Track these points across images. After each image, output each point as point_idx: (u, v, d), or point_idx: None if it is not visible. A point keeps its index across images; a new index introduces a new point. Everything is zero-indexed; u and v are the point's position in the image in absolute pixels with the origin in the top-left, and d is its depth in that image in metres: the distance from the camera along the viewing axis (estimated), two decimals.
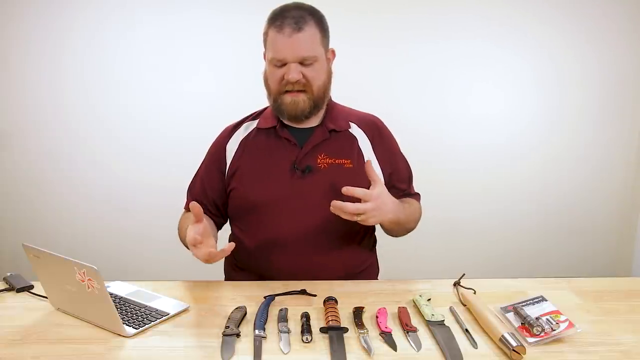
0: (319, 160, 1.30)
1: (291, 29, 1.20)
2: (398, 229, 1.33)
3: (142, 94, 2.42)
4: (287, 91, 1.25)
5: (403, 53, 2.41)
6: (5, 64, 2.39)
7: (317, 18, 1.25)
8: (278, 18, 1.22)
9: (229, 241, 1.43)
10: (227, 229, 1.44)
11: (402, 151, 1.44)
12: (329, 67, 1.31)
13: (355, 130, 1.36)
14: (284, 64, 1.23)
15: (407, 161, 1.44)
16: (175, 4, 2.35)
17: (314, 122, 1.34)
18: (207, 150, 1.43)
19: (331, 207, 1.15)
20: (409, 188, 1.43)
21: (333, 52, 1.33)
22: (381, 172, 1.34)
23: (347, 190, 1.15)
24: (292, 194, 1.29)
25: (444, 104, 2.47)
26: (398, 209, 1.24)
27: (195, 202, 1.12)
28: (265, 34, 1.27)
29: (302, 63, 1.22)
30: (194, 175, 1.45)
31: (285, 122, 1.34)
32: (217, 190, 1.37)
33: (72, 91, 2.41)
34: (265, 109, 1.41)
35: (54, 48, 2.37)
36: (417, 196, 1.45)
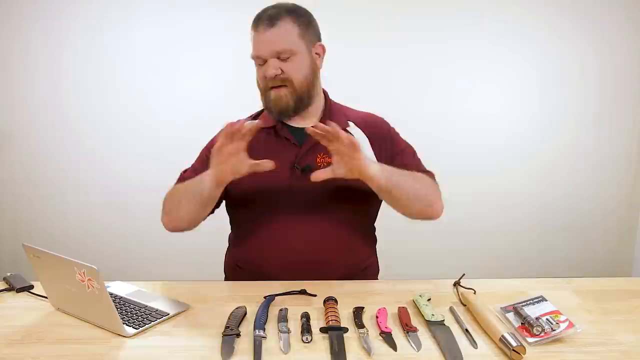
0: (318, 159, 1.31)
1: (264, 25, 1.24)
2: (400, 195, 1.23)
3: (142, 94, 2.42)
4: (272, 87, 1.28)
5: (403, 53, 2.41)
6: (5, 64, 2.40)
7: (296, 14, 1.27)
8: (256, 19, 1.28)
9: (229, 241, 1.44)
10: (226, 229, 1.44)
11: (408, 144, 1.41)
12: (314, 62, 1.31)
13: (353, 129, 1.36)
14: (265, 61, 1.26)
15: (414, 153, 1.40)
16: (175, 4, 2.35)
17: (312, 121, 1.34)
18: (205, 145, 1.41)
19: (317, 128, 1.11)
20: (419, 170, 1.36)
21: (323, 47, 1.33)
22: None
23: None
24: (292, 193, 1.29)
25: (444, 103, 2.47)
26: (386, 168, 1.20)
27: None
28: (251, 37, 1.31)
29: (280, 58, 1.25)
30: (189, 166, 1.41)
31: (276, 120, 1.34)
32: None
33: (72, 91, 2.42)
34: (264, 109, 1.41)
35: (54, 48, 2.38)
36: (429, 173, 1.38)
